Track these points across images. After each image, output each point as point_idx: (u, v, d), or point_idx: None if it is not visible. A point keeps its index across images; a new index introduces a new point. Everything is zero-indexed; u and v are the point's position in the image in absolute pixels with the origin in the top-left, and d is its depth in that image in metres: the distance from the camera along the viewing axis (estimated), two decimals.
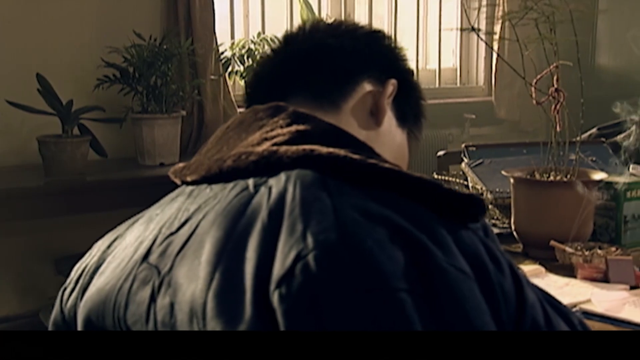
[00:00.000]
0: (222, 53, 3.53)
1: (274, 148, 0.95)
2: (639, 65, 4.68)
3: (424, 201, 0.90)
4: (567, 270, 1.66)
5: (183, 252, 0.90)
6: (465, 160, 2.18)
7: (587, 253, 1.68)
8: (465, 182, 2.11)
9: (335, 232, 0.82)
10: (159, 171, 3.05)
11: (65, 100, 2.95)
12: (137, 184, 3.03)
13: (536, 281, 1.60)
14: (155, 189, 1.27)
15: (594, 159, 2.13)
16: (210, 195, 0.96)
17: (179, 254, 0.91)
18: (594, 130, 2.75)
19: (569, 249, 1.68)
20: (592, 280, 1.59)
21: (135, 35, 3.19)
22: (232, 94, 3.59)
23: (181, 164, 1.07)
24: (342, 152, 0.93)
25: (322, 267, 0.80)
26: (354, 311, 0.78)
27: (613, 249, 1.70)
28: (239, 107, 3.51)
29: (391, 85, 1.13)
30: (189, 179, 1.02)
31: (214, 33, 3.53)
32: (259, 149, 0.96)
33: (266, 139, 0.98)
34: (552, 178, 1.78)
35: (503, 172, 1.83)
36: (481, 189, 2.04)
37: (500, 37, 2.02)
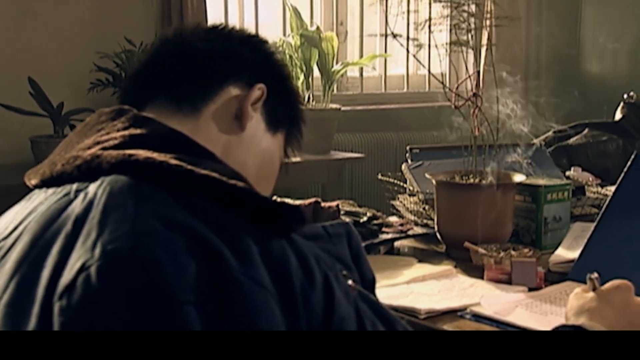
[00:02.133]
0: None
1: (99, 152, 0.89)
2: (622, 71, 4.55)
3: (237, 210, 0.84)
4: (481, 271, 1.57)
5: (5, 259, 0.84)
6: (408, 161, 2.09)
7: (502, 254, 1.60)
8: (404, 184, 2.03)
9: (126, 241, 0.75)
10: None
11: (58, 102, 2.93)
12: None
13: (444, 281, 1.53)
14: None
15: (529, 161, 2.03)
16: (41, 199, 0.90)
17: (2, 260, 0.85)
18: (550, 133, 2.65)
19: (481, 250, 1.60)
20: (498, 281, 1.50)
21: (126, 41, 3.15)
22: None
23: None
24: (163, 157, 0.86)
25: (103, 279, 0.73)
26: (133, 325, 0.72)
27: (526, 250, 1.60)
28: None
29: (258, 90, 1.05)
30: (33, 182, 0.96)
31: None
32: (86, 153, 0.90)
33: (98, 143, 0.92)
34: (471, 181, 1.70)
35: (426, 175, 1.75)
36: (414, 190, 1.96)
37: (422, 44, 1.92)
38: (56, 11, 3.20)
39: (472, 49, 1.71)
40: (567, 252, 1.60)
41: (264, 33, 3.76)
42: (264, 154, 1.08)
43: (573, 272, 1.49)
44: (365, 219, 1.72)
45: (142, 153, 0.86)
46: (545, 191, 1.73)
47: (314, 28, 3.56)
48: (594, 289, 1.15)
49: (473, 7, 1.69)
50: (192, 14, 3.43)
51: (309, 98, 3.56)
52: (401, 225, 1.82)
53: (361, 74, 4.14)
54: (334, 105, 3.58)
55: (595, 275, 1.15)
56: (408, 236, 1.78)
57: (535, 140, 2.60)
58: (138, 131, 0.92)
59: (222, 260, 0.76)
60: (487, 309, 1.33)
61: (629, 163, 1.57)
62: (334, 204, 1.65)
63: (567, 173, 2.18)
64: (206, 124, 1.01)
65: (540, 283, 1.48)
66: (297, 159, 3.42)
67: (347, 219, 1.69)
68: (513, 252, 1.60)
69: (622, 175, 1.57)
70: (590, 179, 2.13)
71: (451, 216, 1.70)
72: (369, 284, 1.06)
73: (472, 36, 1.70)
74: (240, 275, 0.76)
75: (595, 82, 4.59)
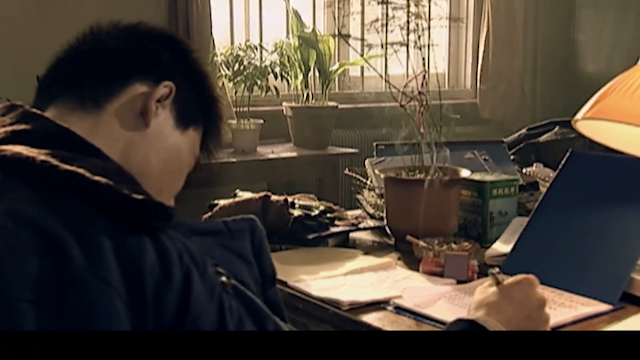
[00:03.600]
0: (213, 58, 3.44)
1: None
2: (616, 73, 4.43)
3: (97, 206, 0.80)
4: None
5: None
6: (374, 157, 2.04)
7: (444, 247, 1.54)
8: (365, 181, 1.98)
9: None
10: None
11: None
12: None
13: (381, 273, 1.49)
14: None
15: (486, 157, 1.97)
16: None
17: None
18: (523, 130, 2.57)
19: (421, 244, 1.54)
20: (432, 274, 1.45)
21: None
22: (228, 95, 3.51)
23: None
24: (34, 153, 0.83)
25: None
26: None
27: (466, 244, 1.55)
28: (234, 106, 3.42)
29: (164, 87, 1.01)
30: None
31: (212, 42, 3.45)
32: None
33: None
34: (417, 176, 1.64)
35: (376, 171, 1.70)
36: (372, 185, 1.91)
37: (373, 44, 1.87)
38: (66, 11, 3.18)
39: (419, 49, 1.65)
40: (502, 246, 1.54)
41: (268, 35, 3.74)
42: (169, 151, 1.03)
43: (505, 266, 1.43)
44: (316, 212, 1.68)
45: (14, 149, 0.83)
46: (490, 186, 1.67)
47: (310, 30, 3.51)
48: (498, 284, 1.09)
49: (420, 8, 1.63)
50: (197, 17, 3.40)
51: (307, 96, 3.52)
52: (355, 218, 1.78)
53: (362, 73, 4.09)
54: (331, 103, 3.54)
55: (497, 270, 1.10)
56: (358, 229, 1.73)
57: (513, 136, 2.54)
58: (22, 127, 0.89)
59: (66, 256, 0.73)
60: (408, 301, 1.28)
61: (564, 160, 1.50)
62: (281, 198, 1.62)
63: (529, 169, 2.11)
64: (108, 120, 0.97)
65: (472, 276, 1.42)
66: (294, 154, 3.40)
67: (298, 212, 1.66)
68: (454, 246, 1.54)
69: (557, 171, 1.50)
70: (551, 174, 2.06)
71: (398, 210, 1.65)
72: (269, 278, 1.03)
73: (419, 37, 1.64)
74: (82, 271, 0.73)
75: (590, 84, 4.47)
